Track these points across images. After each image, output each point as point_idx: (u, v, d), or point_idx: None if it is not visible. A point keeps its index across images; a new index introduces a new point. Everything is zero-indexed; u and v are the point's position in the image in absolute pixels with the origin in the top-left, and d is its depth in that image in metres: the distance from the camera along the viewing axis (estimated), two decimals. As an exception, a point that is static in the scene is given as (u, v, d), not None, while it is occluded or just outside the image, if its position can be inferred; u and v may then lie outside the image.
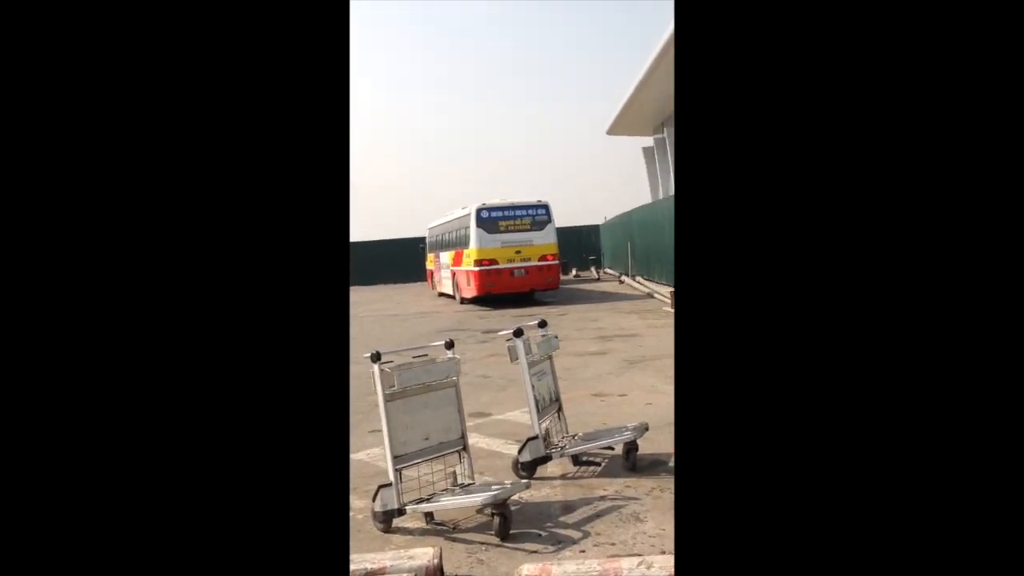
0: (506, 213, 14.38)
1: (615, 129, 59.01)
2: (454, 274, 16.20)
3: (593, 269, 25.56)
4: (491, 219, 14.28)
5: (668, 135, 52.05)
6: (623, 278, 19.26)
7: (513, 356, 3.99)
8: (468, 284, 14.70)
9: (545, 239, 14.52)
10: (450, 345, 3.89)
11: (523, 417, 4.80)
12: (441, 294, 18.84)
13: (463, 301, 15.70)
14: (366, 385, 6.57)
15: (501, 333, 4.27)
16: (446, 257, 17.02)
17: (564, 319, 11.34)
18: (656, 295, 14.15)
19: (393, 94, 61.96)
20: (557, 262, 14.68)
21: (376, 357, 3.43)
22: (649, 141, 58.03)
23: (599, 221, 28.81)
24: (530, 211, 14.54)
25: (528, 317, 12.63)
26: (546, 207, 14.72)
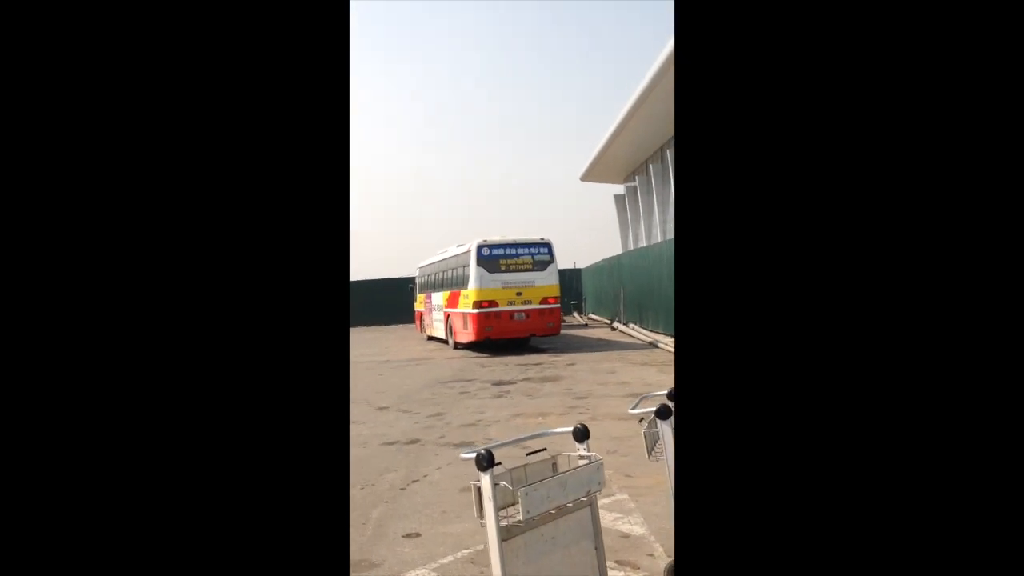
0: (508, 251, 13.52)
1: (589, 176, 59.85)
2: (447, 316, 15.20)
3: (576, 314, 24.72)
4: (492, 257, 13.39)
5: (639, 183, 52.77)
6: (615, 324, 18.46)
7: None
8: (464, 328, 13.71)
9: (547, 280, 13.67)
10: (583, 435, 2.35)
11: (623, 524, 3.81)
12: (431, 338, 17.78)
13: (457, 346, 14.69)
14: (374, 461, 5.79)
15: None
16: (439, 298, 16.02)
17: (575, 369, 10.41)
18: (660, 345, 13.34)
19: (370, 133, 61.39)
20: (559, 306, 13.82)
21: (488, 461, 2.17)
22: (621, 189, 58.88)
23: (573, 265, 28.08)
24: (532, 250, 13.70)
25: (534, 367, 12.12)
26: (548, 246, 13.91)
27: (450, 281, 15.15)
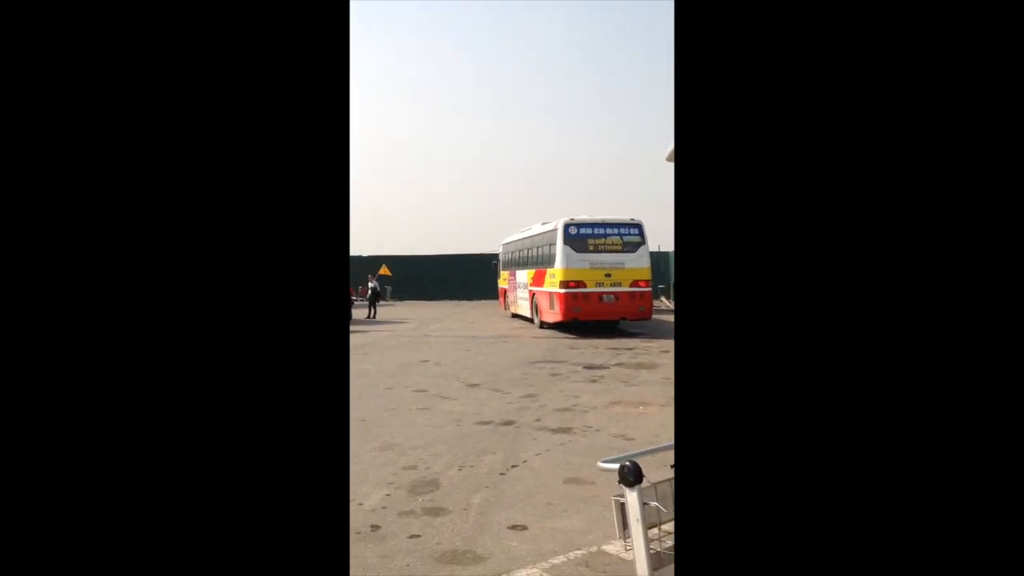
0: (596, 231, 13.10)
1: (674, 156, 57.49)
2: (533, 295, 14.95)
3: (663, 299, 23.75)
4: (579, 236, 13.01)
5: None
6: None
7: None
8: (551, 307, 13.43)
9: (638, 262, 13.18)
10: None
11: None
12: (515, 315, 17.62)
13: (543, 325, 14.43)
14: (470, 442, 5.46)
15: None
16: (524, 276, 15.79)
17: (670, 357, 9.94)
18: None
19: (429, 105, 61.58)
20: (650, 289, 13.31)
21: (635, 475, 1.82)
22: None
23: (658, 248, 26.46)
24: (622, 230, 13.22)
25: (626, 351, 11.65)
26: (639, 227, 13.39)
27: (535, 259, 14.87)
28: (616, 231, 13.15)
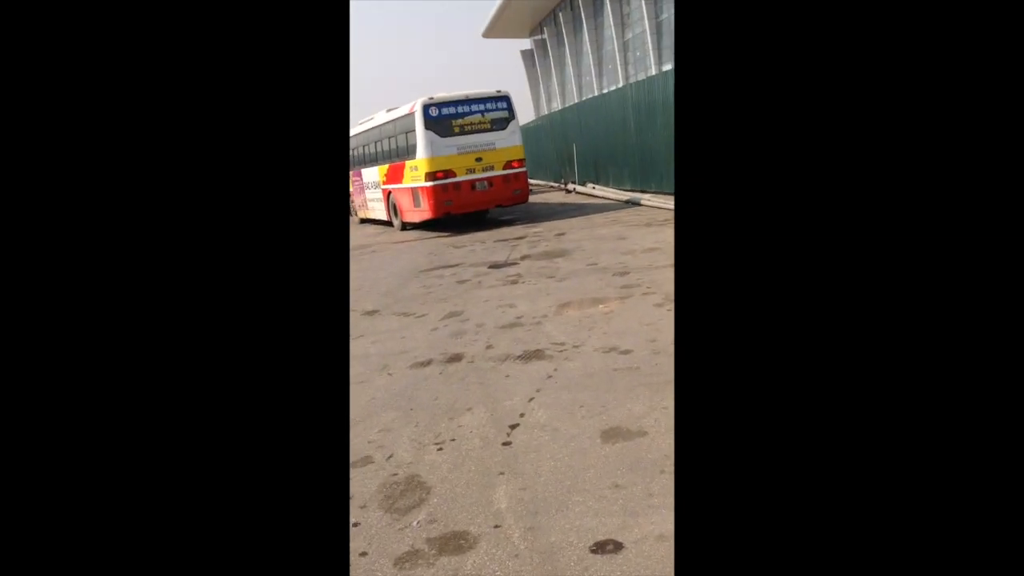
0: (460, 109, 11.35)
1: (492, 31, 56.50)
2: (389, 194, 13.05)
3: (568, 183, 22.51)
4: (442, 118, 11.22)
5: (548, 35, 50.20)
6: (570, 186, 16.85)
7: None
8: (416, 204, 11.71)
9: (509, 140, 11.70)
10: None
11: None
12: (366, 220, 15.60)
13: (406, 227, 12.71)
14: (420, 395, 4.09)
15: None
16: (374, 174, 13.74)
17: (573, 240, 8.83)
18: (643, 202, 11.91)
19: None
20: (525, 170, 11.97)
21: None
22: (528, 44, 56.16)
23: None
24: (488, 105, 11.58)
25: (519, 241, 10.20)
26: (507, 99, 11.81)
27: (388, 153, 12.89)
28: (482, 107, 11.48)
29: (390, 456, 3.03)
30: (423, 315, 5.73)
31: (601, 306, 5.18)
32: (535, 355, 4.19)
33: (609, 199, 13.63)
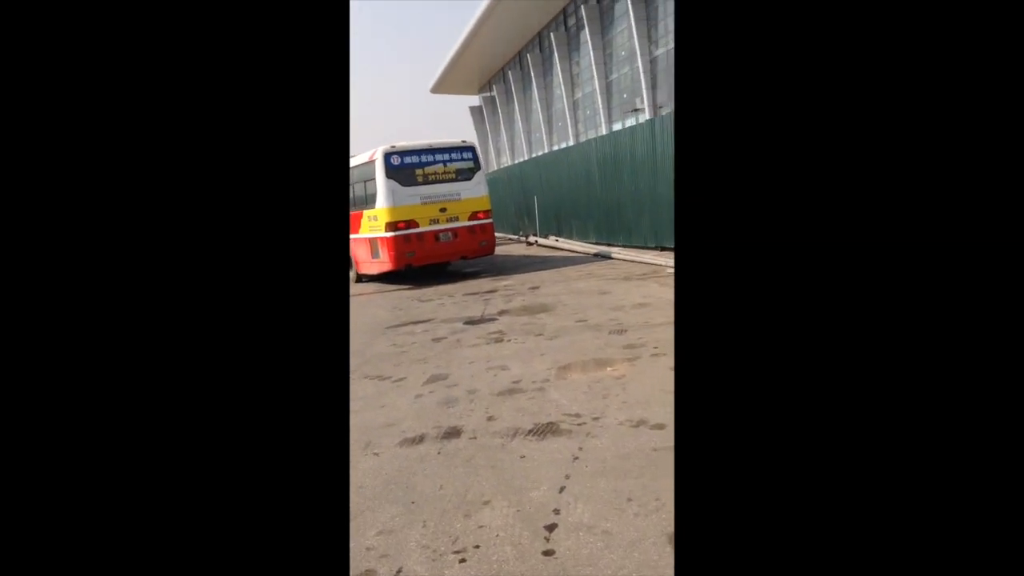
0: (424, 158, 10.86)
1: (441, 87, 56.87)
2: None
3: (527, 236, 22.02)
4: (405, 167, 10.70)
5: (497, 92, 50.74)
6: (531, 238, 16.49)
7: None
8: (374, 256, 11.06)
9: (475, 191, 11.24)
10: None
11: None
12: (318, 272, 14.78)
13: (361, 279, 12.00)
14: (419, 482, 2.97)
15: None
16: (330, 223, 13.04)
17: (551, 294, 8.33)
18: (614, 255, 11.57)
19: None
20: (491, 221, 11.50)
21: None
22: (476, 100, 56.65)
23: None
24: (453, 155, 11.14)
25: (491, 295, 9.54)
26: (472, 149, 11.41)
27: (349, 202, 12.26)
28: (447, 156, 11.02)
29: (399, 571, 2.36)
30: (401, 379, 5.06)
31: (609, 369, 4.63)
32: (549, 430, 3.59)
33: (575, 252, 13.27)
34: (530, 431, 3.60)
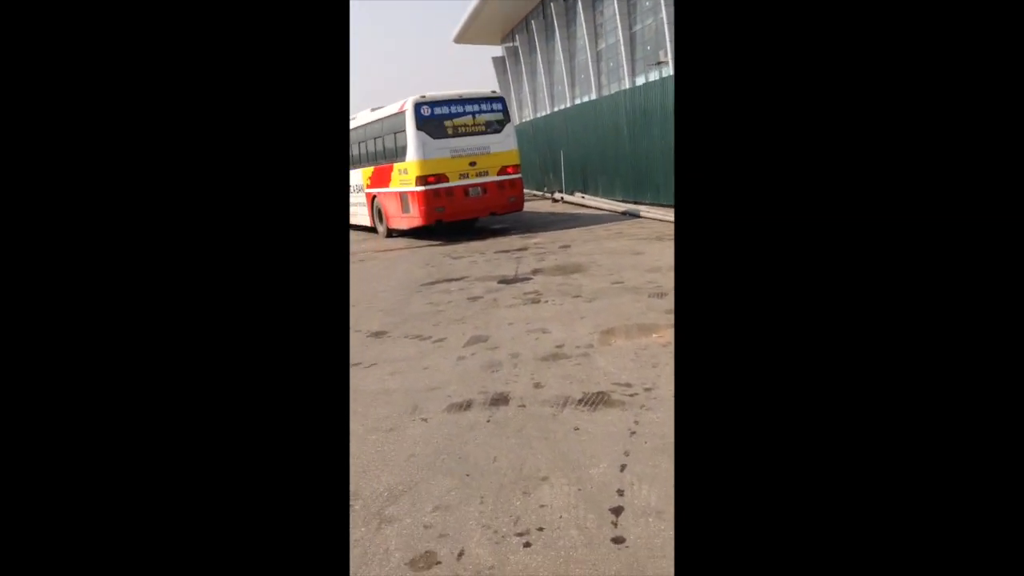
0: (454, 109, 10.59)
1: (464, 37, 55.87)
2: (373, 198, 12.21)
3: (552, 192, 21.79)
4: (435, 118, 10.44)
5: (520, 43, 49.66)
6: (557, 195, 16.21)
7: None
8: (405, 210, 10.90)
9: (504, 144, 10.98)
10: None
11: None
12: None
13: (391, 234, 11.89)
14: (475, 454, 2.77)
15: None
16: (357, 177, 12.86)
17: (582, 254, 8.15)
18: (642, 214, 11.32)
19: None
20: (520, 176, 11.26)
21: None
22: (499, 51, 55.61)
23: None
24: (483, 106, 10.85)
25: (522, 253, 9.32)
26: (502, 101, 11.11)
27: (373, 155, 12.05)
28: (477, 108, 10.74)
29: (461, 553, 2.27)
30: (441, 339, 4.96)
31: (656, 336, 4.49)
32: (600, 400, 3.47)
33: (603, 210, 13.01)
34: (580, 401, 3.49)
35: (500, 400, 3.62)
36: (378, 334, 5.32)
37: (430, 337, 5.06)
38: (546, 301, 5.86)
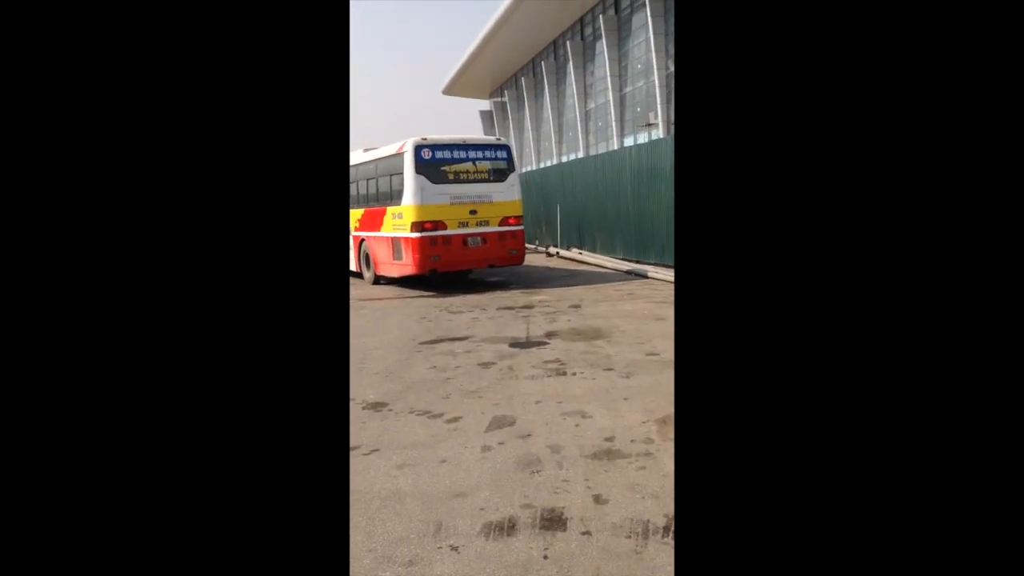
0: (455, 154, 9.88)
1: (452, 89, 56.23)
2: (360, 243, 11.34)
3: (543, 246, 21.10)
4: (435, 162, 9.70)
5: (508, 98, 50.02)
6: (551, 249, 15.52)
7: None
8: (397, 257, 10.05)
9: (508, 194, 10.26)
10: None
11: None
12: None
13: (379, 281, 10.98)
14: None
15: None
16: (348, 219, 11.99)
17: (596, 314, 7.33)
18: (650, 275, 10.61)
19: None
20: (522, 228, 10.51)
21: None
22: (487, 105, 56.06)
23: None
24: (487, 153, 10.15)
25: (527, 311, 8.04)
26: (507, 148, 10.44)
27: (365, 197, 11.25)
28: (479, 154, 10.04)
29: None
30: (456, 418, 4.05)
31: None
32: (693, 528, 2.59)
33: (605, 267, 12.30)
34: (666, 529, 2.60)
35: (554, 522, 2.71)
36: (376, 406, 4.38)
37: (441, 415, 4.15)
38: (573, 373, 4.99)
